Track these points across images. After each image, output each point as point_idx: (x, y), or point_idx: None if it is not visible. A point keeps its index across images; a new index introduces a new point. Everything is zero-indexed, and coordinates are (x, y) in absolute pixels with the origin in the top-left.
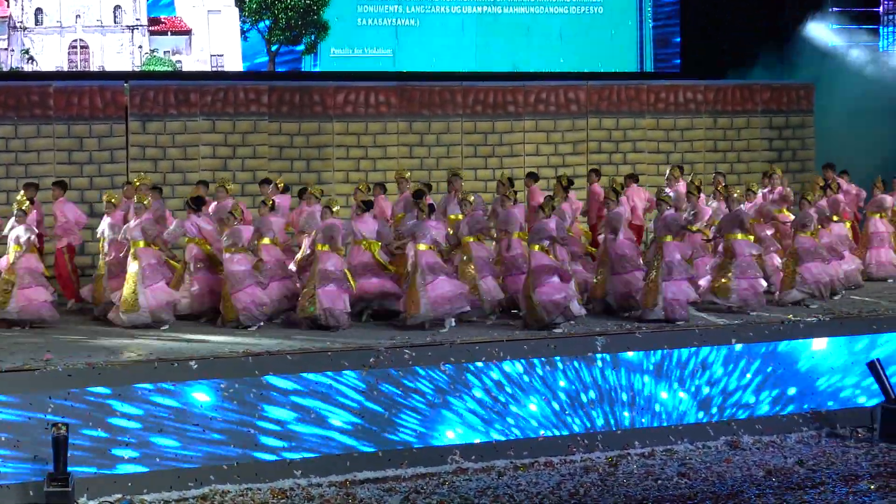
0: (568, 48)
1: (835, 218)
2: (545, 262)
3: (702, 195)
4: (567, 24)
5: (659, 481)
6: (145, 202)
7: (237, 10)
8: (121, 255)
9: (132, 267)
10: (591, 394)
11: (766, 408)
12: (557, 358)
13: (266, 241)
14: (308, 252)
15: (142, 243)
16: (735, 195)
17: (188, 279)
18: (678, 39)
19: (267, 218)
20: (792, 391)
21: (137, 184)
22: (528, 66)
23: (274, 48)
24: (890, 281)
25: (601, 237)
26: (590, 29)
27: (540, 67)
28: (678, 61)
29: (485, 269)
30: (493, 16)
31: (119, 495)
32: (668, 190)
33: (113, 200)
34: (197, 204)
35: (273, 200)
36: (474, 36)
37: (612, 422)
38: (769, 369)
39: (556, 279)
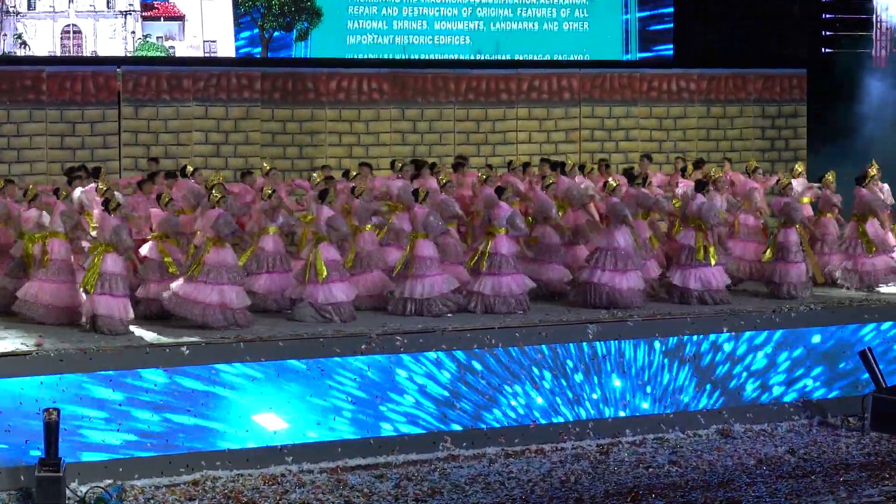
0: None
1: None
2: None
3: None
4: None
5: (650, 469)
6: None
7: None
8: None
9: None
10: (581, 380)
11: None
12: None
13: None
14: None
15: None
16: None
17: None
18: (671, 26)
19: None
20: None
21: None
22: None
23: (267, 34)
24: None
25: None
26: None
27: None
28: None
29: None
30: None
31: (110, 480)
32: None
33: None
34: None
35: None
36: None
37: (603, 409)
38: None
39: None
